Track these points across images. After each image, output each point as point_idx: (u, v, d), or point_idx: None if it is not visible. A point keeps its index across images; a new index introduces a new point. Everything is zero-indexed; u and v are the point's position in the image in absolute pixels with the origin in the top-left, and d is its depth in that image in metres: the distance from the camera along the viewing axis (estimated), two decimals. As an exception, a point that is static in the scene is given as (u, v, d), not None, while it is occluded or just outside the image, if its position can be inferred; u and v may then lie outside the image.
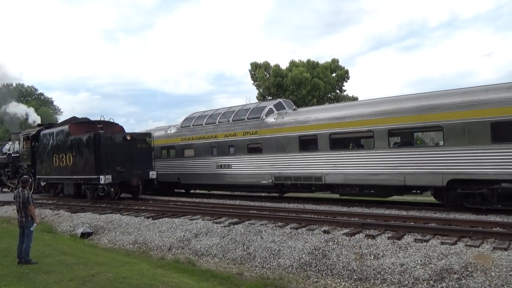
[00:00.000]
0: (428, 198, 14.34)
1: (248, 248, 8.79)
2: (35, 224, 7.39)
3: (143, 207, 14.60)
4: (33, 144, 21.15)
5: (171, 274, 7.23)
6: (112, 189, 16.74)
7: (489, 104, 10.36)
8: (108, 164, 16.39)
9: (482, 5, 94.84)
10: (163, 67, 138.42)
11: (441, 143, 11.61)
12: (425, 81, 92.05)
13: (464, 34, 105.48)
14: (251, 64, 41.90)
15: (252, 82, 42.15)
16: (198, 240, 9.82)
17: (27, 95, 71.61)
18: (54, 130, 19.74)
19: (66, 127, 18.80)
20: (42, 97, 69.26)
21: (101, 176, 16.03)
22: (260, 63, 41.36)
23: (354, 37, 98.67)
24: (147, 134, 18.80)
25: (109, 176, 16.12)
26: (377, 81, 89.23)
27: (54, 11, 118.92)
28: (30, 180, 8.16)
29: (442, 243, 7.38)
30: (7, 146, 26.68)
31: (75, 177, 17.89)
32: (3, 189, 27.83)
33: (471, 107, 10.66)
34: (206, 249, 9.27)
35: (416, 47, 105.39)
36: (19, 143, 23.54)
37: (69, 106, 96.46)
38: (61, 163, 18.64)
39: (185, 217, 12.04)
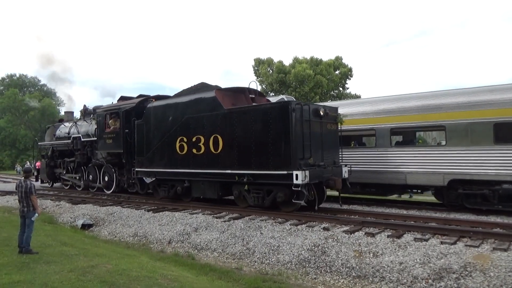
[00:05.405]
0: (429, 197, 14.33)
1: (247, 243, 8.82)
2: (36, 214, 7.43)
3: (144, 200, 14.62)
4: (134, 122, 14.46)
5: (171, 267, 7.27)
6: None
7: (492, 105, 10.33)
8: (304, 153, 10.10)
9: (497, 6, 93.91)
10: (171, 62, 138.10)
11: (443, 142, 11.58)
12: (433, 82, 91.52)
13: (476, 34, 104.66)
14: (254, 60, 41.96)
15: (255, 78, 42.20)
16: (198, 234, 9.85)
17: (30, 85, 71.82)
18: (179, 100, 12.94)
19: (210, 95, 11.85)
20: (45, 88, 69.44)
21: (295, 172, 9.59)
22: (264, 59, 41.33)
23: (363, 35, 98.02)
24: (335, 109, 11.94)
25: (307, 173, 9.74)
26: (385, 81, 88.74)
27: (62, 3, 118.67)
28: (32, 170, 8.18)
29: (441, 243, 7.38)
30: (64, 129, 19.66)
31: (227, 171, 11.16)
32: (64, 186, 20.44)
33: (474, 107, 10.63)
34: (206, 243, 9.31)
35: (426, 46, 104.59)
36: (97, 122, 16.71)
37: (76, 99, 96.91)
38: (194, 150, 12.10)
39: (186, 211, 12.08)
